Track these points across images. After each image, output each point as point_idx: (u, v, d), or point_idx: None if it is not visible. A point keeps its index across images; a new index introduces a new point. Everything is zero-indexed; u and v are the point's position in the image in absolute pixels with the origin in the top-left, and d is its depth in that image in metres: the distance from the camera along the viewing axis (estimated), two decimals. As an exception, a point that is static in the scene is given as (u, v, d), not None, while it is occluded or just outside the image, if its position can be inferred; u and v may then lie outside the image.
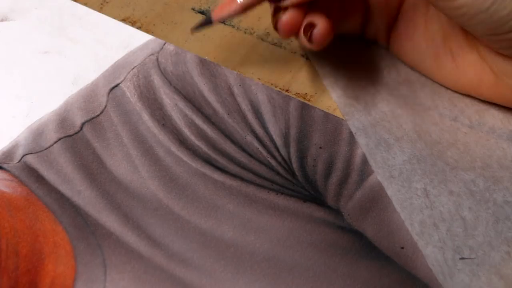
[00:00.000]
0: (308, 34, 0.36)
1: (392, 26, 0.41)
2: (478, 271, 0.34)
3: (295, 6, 0.36)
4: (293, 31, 0.37)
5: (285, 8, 0.37)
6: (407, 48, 0.41)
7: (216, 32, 0.46)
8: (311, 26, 0.36)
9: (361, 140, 0.39)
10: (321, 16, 0.36)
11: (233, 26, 0.46)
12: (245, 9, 0.38)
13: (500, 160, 0.38)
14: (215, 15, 0.39)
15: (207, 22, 0.39)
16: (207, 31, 0.46)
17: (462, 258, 0.34)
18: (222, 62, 0.44)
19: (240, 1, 0.37)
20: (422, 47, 0.40)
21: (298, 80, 0.43)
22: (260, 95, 0.42)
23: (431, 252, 0.35)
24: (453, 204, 0.36)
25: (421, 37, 0.40)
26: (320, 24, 0.36)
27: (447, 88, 0.41)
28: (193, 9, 0.47)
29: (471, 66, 0.38)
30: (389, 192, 0.37)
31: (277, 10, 0.37)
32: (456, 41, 0.38)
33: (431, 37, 0.39)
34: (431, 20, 0.39)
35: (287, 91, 0.42)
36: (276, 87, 0.42)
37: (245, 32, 0.45)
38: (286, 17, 0.36)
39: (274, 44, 0.45)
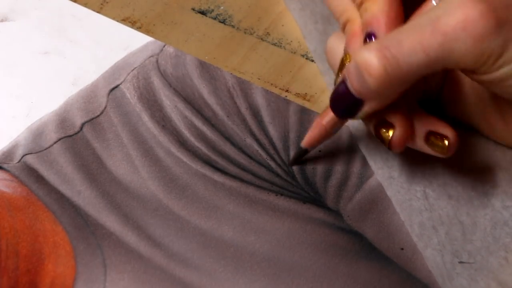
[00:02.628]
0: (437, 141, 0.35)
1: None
2: (476, 276, 0.34)
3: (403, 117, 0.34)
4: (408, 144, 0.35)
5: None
6: (456, 103, 0.39)
7: (216, 32, 0.46)
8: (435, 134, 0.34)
9: (360, 141, 0.39)
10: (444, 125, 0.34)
11: (233, 26, 0.46)
12: (331, 129, 0.36)
13: (500, 162, 0.38)
14: (306, 143, 0.37)
15: (303, 152, 0.38)
16: (207, 31, 0.46)
17: (461, 262, 0.34)
18: (222, 62, 0.44)
19: (325, 123, 0.36)
20: (471, 103, 0.38)
21: (298, 80, 0.43)
22: (259, 99, 0.42)
23: (430, 255, 0.35)
24: (451, 208, 0.36)
25: (470, 91, 0.38)
26: (450, 136, 0.34)
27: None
28: (193, 9, 0.47)
29: None
30: (389, 192, 0.37)
31: (382, 125, 0.35)
32: (503, 101, 0.36)
33: (479, 94, 0.37)
34: None
35: (287, 91, 0.42)
36: (276, 87, 0.42)
37: (245, 32, 0.46)
38: (398, 134, 0.34)
39: (274, 44, 0.45)
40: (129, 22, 0.47)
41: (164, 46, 0.45)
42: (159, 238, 0.35)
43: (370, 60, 0.30)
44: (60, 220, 0.36)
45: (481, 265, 0.34)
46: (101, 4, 0.48)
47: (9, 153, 0.39)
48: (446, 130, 0.34)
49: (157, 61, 0.44)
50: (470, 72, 0.32)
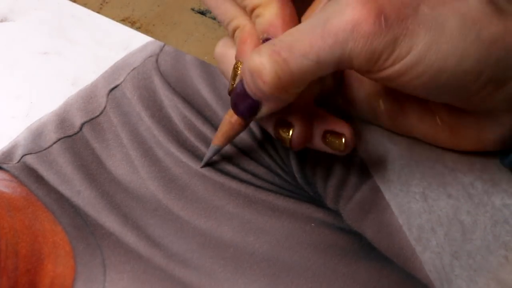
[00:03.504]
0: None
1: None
2: (475, 277, 0.34)
3: (302, 119, 0.35)
4: (308, 143, 0.36)
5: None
6: (357, 102, 0.39)
7: (216, 32, 0.46)
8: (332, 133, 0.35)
9: (359, 144, 0.39)
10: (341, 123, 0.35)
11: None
12: (240, 126, 0.37)
13: (499, 161, 0.38)
14: (217, 141, 0.37)
15: (216, 151, 0.38)
16: (207, 31, 0.46)
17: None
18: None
19: (233, 120, 0.36)
20: (370, 100, 0.39)
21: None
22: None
23: (429, 258, 0.35)
24: (451, 208, 0.37)
25: (367, 88, 0.38)
26: (347, 133, 0.35)
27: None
28: (193, 9, 0.47)
29: (423, 121, 0.38)
30: (387, 195, 0.37)
31: (281, 125, 0.35)
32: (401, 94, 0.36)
33: (375, 90, 0.38)
34: None
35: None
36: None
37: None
38: (297, 133, 0.35)
39: (274, 45, 0.45)
40: (129, 22, 0.47)
41: (163, 46, 0.45)
42: (158, 238, 0.35)
43: (262, 65, 0.31)
44: (60, 220, 0.36)
45: (481, 265, 0.34)
46: (101, 4, 0.48)
47: (8, 153, 0.39)
48: (342, 128, 0.35)
49: (156, 61, 0.44)
50: (365, 71, 0.32)
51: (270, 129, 0.36)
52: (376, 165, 0.39)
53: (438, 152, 0.39)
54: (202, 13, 0.47)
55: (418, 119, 0.38)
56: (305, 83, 0.32)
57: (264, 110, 0.33)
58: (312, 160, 0.39)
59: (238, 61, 0.36)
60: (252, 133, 0.40)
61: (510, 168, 0.37)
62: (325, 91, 0.39)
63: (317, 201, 0.37)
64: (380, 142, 0.40)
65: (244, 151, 0.39)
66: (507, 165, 0.37)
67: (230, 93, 0.36)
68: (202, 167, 0.39)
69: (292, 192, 0.38)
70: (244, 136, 0.40)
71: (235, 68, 0.36)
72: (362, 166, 0.39)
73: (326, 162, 0.39)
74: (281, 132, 0.35)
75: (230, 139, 0.37)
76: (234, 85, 0.34)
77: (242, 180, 0.38)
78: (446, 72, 0.31)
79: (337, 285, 0.34)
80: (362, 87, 0.38)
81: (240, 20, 0.36)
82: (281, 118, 0.35)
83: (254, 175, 0.38)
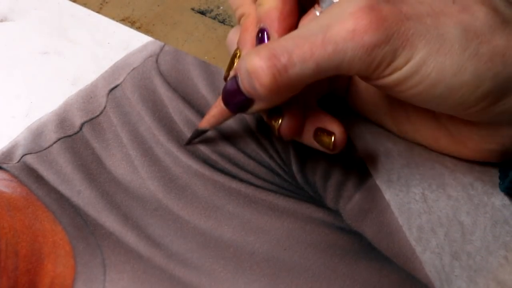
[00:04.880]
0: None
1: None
2: (475, 277, 0.34)
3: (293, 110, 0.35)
4: (296, 135, 0.36)
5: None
6: (364, 102, 0.40)
7: (216, 32, 0.46)
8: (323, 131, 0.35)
9: (359, 144, 0.39)
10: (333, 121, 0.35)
11: (232, 26, 0.46)
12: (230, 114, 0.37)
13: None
14: (206, 123, 0.38)
15: (201, 133, 0.39)
16: (207, 31, 0.46)
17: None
18: (222, 62, 0.44)
19: (222, 106, 0.36)
20: (376, 102, 0.39)
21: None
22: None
23: (429, 259, 0.35)
24: (451, 209, 0.37)
25: (373, 90, 0.39)
26: (337, 133, 0.35)
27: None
28: (193, 9, 0.47)
29: (426, 126, 0.38)
30: (387, 196, 0.37)
31: (273, 114, 0.36)
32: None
33: (382, 94, 0.38)
34: None
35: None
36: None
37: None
38: (286, 123, 0.35)
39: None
40: (129, 22, 0.47)
41: (163, 46, 0.45)
42: (158, 238, 0.35)
43: (260, 68, 0.31)
44: (60, 220, 0.36)
45: (481, 265, 0.34)
46: (101, 4, 0.48)
47: (8, 153, 0.39)
48: (333, 126, 0.35)
49: (156, 61, 0.44)
50: (364, 77, 0.33)
51: (264, 115, 0.36)
52: (376, 165, 0.39)
53: (438, 153, 0.39)
54: (202, 13, 0.47)
55: (421, 124, 0.38)
56: (301, 87, 0.33)
57: (255, 107, 0.34)
58: (312, 160, 0.39)
59: (237, 48, 0.36)
60: (252, 133, 0.40)
61: (506, 192, 0.37)
62: (336, 89, 0.40)
63: (317, 201, 0.37)
64: (380, 142, 0.40)
65: (244, 151, 0.39)
66: (503, 189, 0.37)
67: (225, 79, 0.36)
68: (185, 144, 0.39)
69: (292, 192, 0.38)
70: (244, 136, 0.40)
71: (233, 56, 0.36)
72: (362, 166, 0.39)
73: (326, 162, 0.39)
74: (271, 119, 0.35)
75: (217, 124, 0.38)
76: (228, 79, 0.34)
77: (242, 180, 0.38)
78: (441, 83, 0.31)
79: (337, 285, 0.34)
80: (369, 87, 0.38)
81: (246, 7, 0.37)
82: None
83: (254, 174, 0.38)
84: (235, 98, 0.34)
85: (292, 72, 0.31)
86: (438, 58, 0.31)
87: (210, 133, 0.40)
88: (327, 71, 0.31)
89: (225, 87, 0.34)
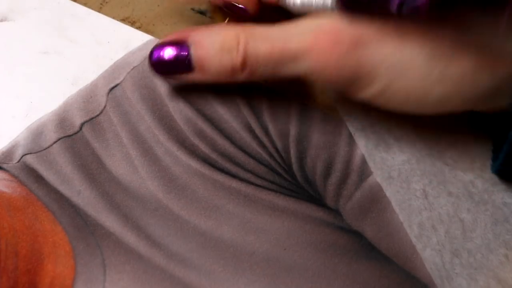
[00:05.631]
0: None
1: None
2: (476, 275, 0.34)
3: None
4: None
5: None
6: None
7: (215, 32, 0.46)
8: None
9: (360, 140, 0.39)
10: None
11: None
12: None
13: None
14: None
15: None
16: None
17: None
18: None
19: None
20: None
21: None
22: (259, 96, 0.42)
23: (429, 256, 0.35)
24: (451, 206, 0.37)
25: None
26: None
27: None
28: (193, 9, 0.47)
29: None
30: (388, 193, 0.37)
31: None
32: None
33: None
34: None
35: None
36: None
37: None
38: None
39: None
40: (129, 21, 0.47)
41: (163, 45, 0.45)
42: (158, 238, 0.35)
43: (233, 62, 0.35)
44: (60, 220, 0.36)
45: (481, 263, 0.34)
46: (101, 3, 0.48)
47: (8, 153, 0.39)
48: None
49: (157, 60, 0.44)
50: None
51: None
52: (376, 162, 0.39)
53: (438, 150, 0.39)
54: (202, 13, 0.47)
55: None
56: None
57: (190, 77, 0.37)
58: (312, 159, 0.39)
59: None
60: (252, 132, 0.40)
61: (498, 173, 0.37)
62: None
63: (317, 200, 0.37)
64: (380, 139, 0.39)
65: (244, 150, 0.39)
66: (494, 171, 0.37)
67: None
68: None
69: (292, 191, 0.38)
70: (243, 135, 0.40)
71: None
72: (362, 164, 0.39)
73: (326, 161, 0.39)
74: None
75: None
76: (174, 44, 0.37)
77: (242, 179, 0.38)
78: (410, 103, 0.32)
79: (337, 284, 0.34)
80: None
81: None
82: None
83: (254, 174, 0.38)
84: (175, 62, 0.36)
85: (257, 72, 0.35)
86: (401, 84, 0.31)
87: (210, 132, 0.40)
88: (288, 76, 0.34)
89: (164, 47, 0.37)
